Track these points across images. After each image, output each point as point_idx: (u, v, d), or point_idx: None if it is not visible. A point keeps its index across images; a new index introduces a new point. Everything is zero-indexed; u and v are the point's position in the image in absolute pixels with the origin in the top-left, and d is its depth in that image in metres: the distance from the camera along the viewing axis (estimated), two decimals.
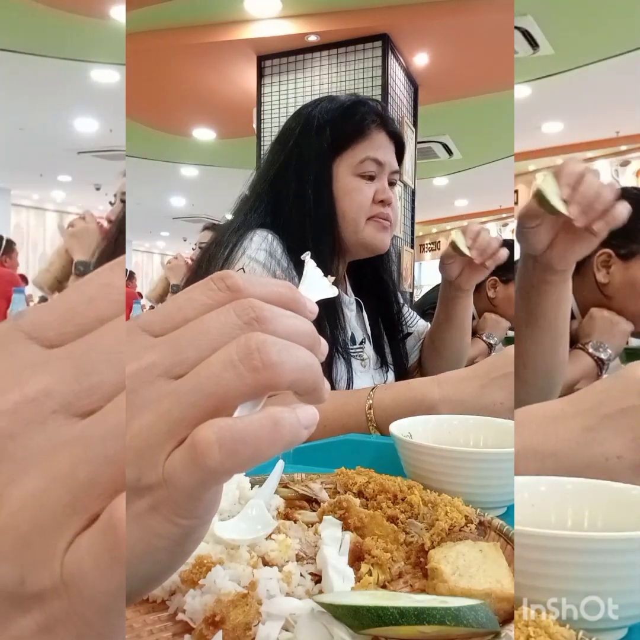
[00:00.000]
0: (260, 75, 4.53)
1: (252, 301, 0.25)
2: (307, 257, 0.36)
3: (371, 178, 1.12)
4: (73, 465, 0.19)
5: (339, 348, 1.06)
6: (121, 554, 0.18)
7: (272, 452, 0.23)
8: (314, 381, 0.25)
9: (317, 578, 0.43)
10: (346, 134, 1.11)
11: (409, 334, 1.31)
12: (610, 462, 0.51)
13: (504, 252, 1.17)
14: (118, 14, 4.28)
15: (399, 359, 1.27)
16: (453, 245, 1.15)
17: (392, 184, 1.17)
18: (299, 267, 1.05)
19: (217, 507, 0.24)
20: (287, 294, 0.27)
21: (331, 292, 0.37)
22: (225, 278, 0.26)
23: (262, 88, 4.52)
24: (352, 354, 1.11)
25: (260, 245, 1.03)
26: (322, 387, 0.26)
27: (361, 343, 1.19)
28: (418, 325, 1.34)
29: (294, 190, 1.10)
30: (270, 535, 0.46)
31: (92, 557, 0.18)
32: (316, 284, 0.38)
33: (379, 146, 1.13)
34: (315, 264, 0.35)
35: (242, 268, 1.00)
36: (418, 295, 4.32)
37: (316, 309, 0.28)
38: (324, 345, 0.27)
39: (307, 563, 0.45)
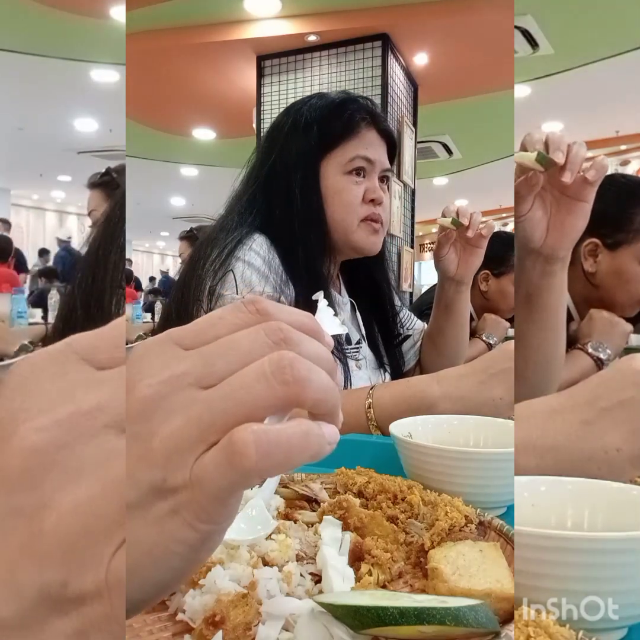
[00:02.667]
0: (260, 75, 4.53)
1: (280, 324, 0.26)
2: (320, 296, 0.37)
3: (362, 177, 1.11)
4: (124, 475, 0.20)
5: (333, 349, 1.04)
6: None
7: (300, 460, 0.24)
8: (333, 404, 0.26)
9: (317, 578, 0.43)
10: (335, 132, 1.09)
11: (407, 336, 1.30)
12: (609, 454, 0.51)
13: (492, 222, 1.18)
14: (118, 14, 4.28)
15: (395, 361, 1.26)
16: (443, 227, 1.15)
17: (384, 182, 1.15)
18: (292, 272, 1.05)
19: (234, 516, 0.25)
20: (309, 324, 0.28)
21: (341, 329, 0.40)
22: (255, 302, 0.27)
23: (262, 88, 4.53)
24: (347, 354, 1.11)
25: (256, 250, 1.02)
26: (338, 412, 0.27)
27: (357, 344, 1.19)
28: (416, 327, 1.33)
29: (283, 191, 1.08)
30: (270, 535, 0.46)
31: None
32: (327, 322, 0.40)
33: (369, 144, 1.11)
34: (327, 303, 0.37)
35: (232, 271, 0.99)
36: (418, 295, 4.32)
37: (332, 342, 0.30)
38: (339, 376, 0.29)
39: (307, 563, 0.45)
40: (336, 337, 1.06)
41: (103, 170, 2.22)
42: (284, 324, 0.26)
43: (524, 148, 0.81)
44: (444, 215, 1.15)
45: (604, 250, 1.33)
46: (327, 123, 1.10)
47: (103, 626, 0.19)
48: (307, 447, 0.24)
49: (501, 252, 2.08)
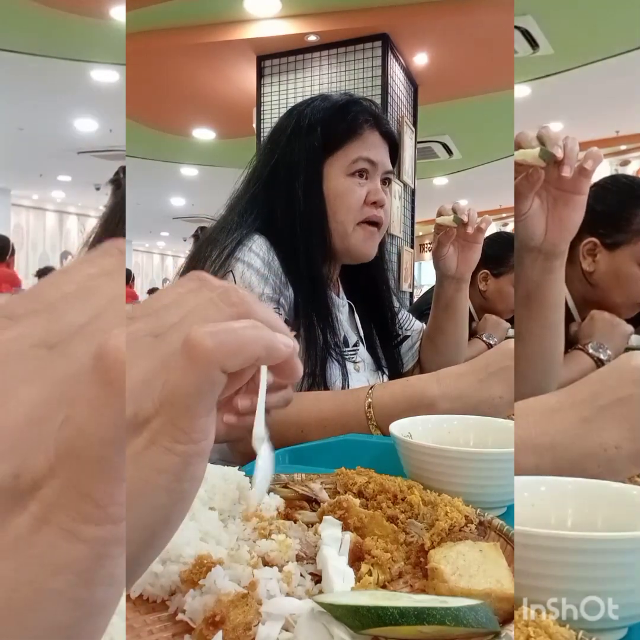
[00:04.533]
0: (260, 75, 4.53)
1: (237, 292, 0.29)
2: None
3: (364, 178, 1.11)
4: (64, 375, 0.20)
5: (331, 351, 1.05)
6: (115, 380, 0.18)
7: (254, 349, 0.26)
8: (282, 328, 0.28)
9: (317, 578, 0.43)
10: (338, 133, 1.10)
11: (406, 337, 1.30)
12: (608, 452, 0.51)
13: (489, 217, 1.20)
14: (118, 14, 4.28)
15: (393, 363, 1.26)
16: (442, 226, 1.15)
17: (386, 184, 1.15)
18: (292, 274, 1.05)
19: (212, 436, 0.24)
20: (276, 321, 0.30)
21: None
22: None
23: (262, 88, 4.52)
24: (345, 356, 1.11)
25: (256, 251, 1.02)
26: (297, 359, 0.29)
27: (355, 345, 1.19)
28: (414, 327, 1.33)
29: (285, 192, 1.09)
30: (270, 535, 0.46)
31: (85, 402, 0.18)
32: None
33: (371, 146, 1.11)
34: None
35: (232, 272, 1.00)
36: (418, 295, 4.32)
37: (291, 344, 0.31)
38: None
39: (307, 563, 0.45)
40: (333, 340, 1.07)
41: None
42: (242, 291, 0.29)
43: (519, 146, 0.82)
44: (440, 215, 1.16)
45: (602, 250, 1.33)
46: (330, 125, 1.10)
47: (61, 501, 0.18)
48: (259, 336, 0.26)
49: (501, 252, 2.09)
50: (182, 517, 0.25)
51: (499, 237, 2.30)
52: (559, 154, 0.79)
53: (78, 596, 0.18)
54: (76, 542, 0.18)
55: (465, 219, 1.12)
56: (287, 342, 0.27)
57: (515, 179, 0.84)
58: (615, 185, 1.36)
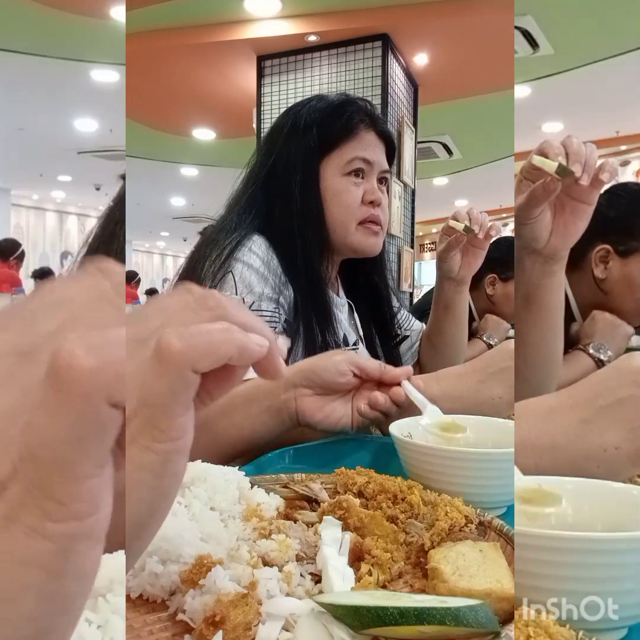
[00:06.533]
0: (260, 75, 4.53)
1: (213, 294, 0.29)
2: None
3: (360, 178, 1.11)
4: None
5: (330, 349, 1.05)
6: (67, 383, 0.18)
7: (225, 350, 0.26)
8: (260, 329, 0.29)
9: (317, 578, 0.43)
10: (333, 133, 1.10)
11: (405, 337, 1.30)
12: (608, 453, 0.51)
13: (497, 224, 1.20)
14: (118, 14, 4.28)
15: (392, 362, 1.26)
16: (451, 230, 1.15)
17: (382, 183, 1.16)
18: (291, 273, 1.05)
19: (190, 434, 0.25)
20: (257, 325, 0.30)
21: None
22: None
23: (262, 88, 4.52)
24: None
25: (255, 251, 1.03)
26: (275, 351, 0.30)
27: (354, 344, 1.19)
28: (414, 327, 1.33)
29: (282, 192, 1.09)
30: (270, 535, 0.46)
31: (43, 410, 0.19)
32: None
33: (367, 145, 1.12)
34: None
35: (231, 272, 1.00)
36: (418, 295, 4.32)
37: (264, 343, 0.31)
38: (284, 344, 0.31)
39: (307, 563, 0.45)
40: (332, 339, 1.07)
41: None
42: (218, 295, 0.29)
43: (543, 153, 0.82)
44: (455, 218, 1.16)
45: (615, 257, 1.33)
46: (326, 125, 1.11)
47: (25, 500, 0.19)
48: (230, 338, 0.26)
49: (509, 256, 2.08)
50: (166, 511, 0.26)
51: (506, 241, 2.28)
52: (579, 171, 0.78)
53: (47, 589, 0.19)
54: (41, 539, 0.19)
55: (477, 229, 1.14)
56: (261, 342, 0.28)
57: (517, 179, 0.84)
58: (628, 191, 1.36)
